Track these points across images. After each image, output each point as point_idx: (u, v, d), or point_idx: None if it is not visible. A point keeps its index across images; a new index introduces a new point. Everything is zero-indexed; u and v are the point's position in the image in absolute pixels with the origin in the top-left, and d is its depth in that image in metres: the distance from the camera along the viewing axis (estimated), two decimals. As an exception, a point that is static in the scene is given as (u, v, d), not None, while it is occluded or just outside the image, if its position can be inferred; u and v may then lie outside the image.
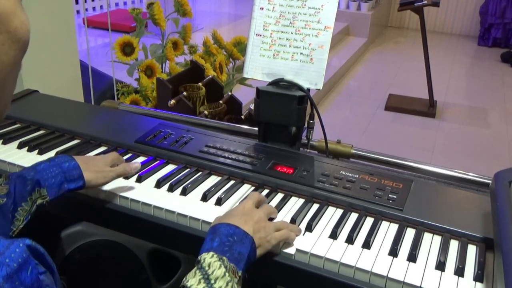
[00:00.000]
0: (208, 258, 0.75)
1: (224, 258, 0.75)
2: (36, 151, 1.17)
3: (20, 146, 1.19)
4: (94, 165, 0.99)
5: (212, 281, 0.72)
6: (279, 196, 1.04)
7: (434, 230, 0.95)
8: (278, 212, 0.99)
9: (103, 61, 2.86)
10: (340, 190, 1.03)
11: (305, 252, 0.88)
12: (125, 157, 1.16)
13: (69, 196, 1.04)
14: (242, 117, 2.07)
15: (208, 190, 1.03)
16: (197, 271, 0.73)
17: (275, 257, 0.89)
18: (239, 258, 0.78)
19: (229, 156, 1.14)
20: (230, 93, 2.17)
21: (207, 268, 0.73)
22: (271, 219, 0.94)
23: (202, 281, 0.72)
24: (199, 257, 0.76)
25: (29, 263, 0.47)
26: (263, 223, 0.86)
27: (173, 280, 1.27)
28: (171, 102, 1.96)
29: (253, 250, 0.82)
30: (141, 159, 1.17)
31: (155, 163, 1.14)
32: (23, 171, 0.92)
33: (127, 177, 1.08)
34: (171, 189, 1.04)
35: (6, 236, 0.85)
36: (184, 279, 0.73)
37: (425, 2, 3.82)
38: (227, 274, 0.73)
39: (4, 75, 0.55)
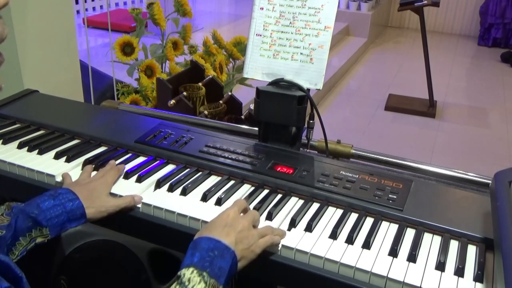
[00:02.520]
0: (188, 273, 0.75)
1: (204, 273, 0.75)
2: (36, 151, 1.17)
3: (20, 146, 1.19)
4: (96, 198, 0.98)
5: None
6: (279, 196, 1.04)
7: (434, 230, 0.95)
8: (278, 212, 0.99)
9: (103, 61, 2.86)
10: (340, 190, 1.03)
11: (305, 252, 0.88)
12: (125, 157, 1.16)
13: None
14: (242, 117, 2.07)
15: (208, 190, 1.03)
16: (177, 286, 0.74)
17: (275, 257, 0.89)
18: (220, 273, 0.78)
19: (229, 156, 1.14)
20: (230, 93, 2.17)
21: (186, 283, 0.74)
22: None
23: None
24: (179, 273, 0.76)
25: None
26: (246, 233, 0.86)
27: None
28: (171, 102, 1.95)
29: (234, 264, 0.82)
30: (141, 159, 1.17)
31: (155, 163, 1.14)
32: (26, 207, 0.91)
33: (126, 177, 1.08)
34: (171, 189, 1.04)
35: None
36: None
37: (425, 2, 3.82)
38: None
39: None
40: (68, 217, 0.93)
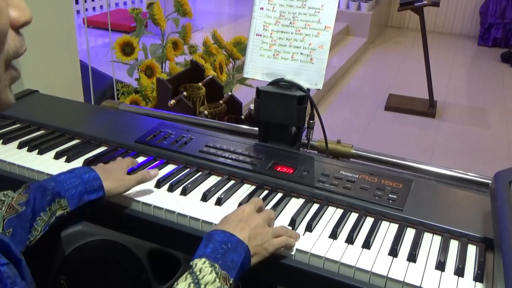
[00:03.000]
0: (200, 263, 0.75)
1: (216, 265, 0.75)
2: (36, 151, 1.17)
3: (20, 146, 1.19)
4: (114, 174, 0.99)
5: (202, 286, 0.72)
6: (279, 196, 1.04)
7: (434, 230, 0.95)
8: (280, 212, 0.99)
9: (103, 61, 2.86)
10: (340, 190, 1.03)
11: (305, 252, 0.88)
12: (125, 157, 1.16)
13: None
14: (242, 117, 2.07)
15: (208, 190, 1.03)
16: (188, 276, 0.74)
17: (275, 257, 0.89)
18: (232, 266, 0.77)
19: (229, 156, 1.14)
20: (230, 93, 2.17)
21: (198, 273, 0.74)
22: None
23: (192, 285, 0.72)
24: (191, 263, 0.76)
25: None
26: (261, 229, 0.86)
27: (173, 280, 1.27)
28: (171, 102, 1.96)
29: (247, 258, 0.81)
30: (141, 159, 1.17)
31: (155, 163, 1.14)
32: (43, 182, 0.91)
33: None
34: (171, 189, 1.04)
35: (23, 245, 0.86)
36: (175, 283, 0.74)
37: (425, 2, 3.82)
38: (217, 280, 0.74)
39: None
40: (85, 187, 0.93)
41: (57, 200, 0.89)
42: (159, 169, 1.13)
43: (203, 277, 0.73)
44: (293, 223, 0.94)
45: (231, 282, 0.76)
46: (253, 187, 1.07)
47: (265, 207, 1.00)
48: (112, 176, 0.98)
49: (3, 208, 0.86)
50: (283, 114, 1.19)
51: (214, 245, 0.79)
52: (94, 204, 0.95)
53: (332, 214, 0.99)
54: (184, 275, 0.75)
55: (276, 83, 1.21)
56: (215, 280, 0.73)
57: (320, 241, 0.90)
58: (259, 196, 1.04)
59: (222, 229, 0.82)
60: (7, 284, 0.48)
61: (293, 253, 0.88)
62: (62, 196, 0.90)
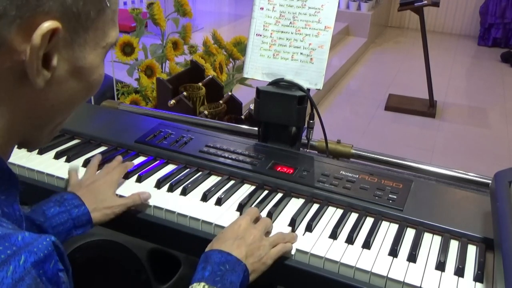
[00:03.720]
0: (199, 287, 0.75)
1: None
2: (36, 151, 1.17)
3: (20, 146, 1.19)
4: (102, 200, 0.97)
5: None
6: (279, 196, 1.04)
7: (434, 230, 0.95)
8: (280, 212, 0.99)
9: (103, 61, 2.86)
10: (340, 190, 1.03)
11: (305, 252, 0.88)
12: (125, 157, 1.16)
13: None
14: (242, 117, 2.07)
15: (208, 190, 1.03)
16: None
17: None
18: (231, 287, 0.77)
19: (229, 156, 1.14)
20: (230, 93, 2.17)
21: None
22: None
23: None
24: (190, 287, 0.76)
25: (53, 257, 0.49)
26: (258, 244, 0.85)
27: (173, 280, 1.27)
28: (171, 102, 1.95)
29: (246, 277, 0.81)
30: (141, 159, 1.17)
31: (155, 163, 1.14)
32: (32, 214, 0.90)
33: (126, 177, 1.08)
34: (171, 189, 1.04)
35: None
36: None
37: (425, 2, 3.82)
38: None
39: (69, 112, 0.63)
40: (74, 224, 0.92)
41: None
42: (159, 169, 1.13)
43: None
44: (293, 223, 0.94)
45: None
46: (253, 187, 1.07)
47: (265, 207, 1.00)
48: (101, 205, 0.96)
49: None
50: (283, 114, 1.19)
51: (212, 267, 0.78)
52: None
53: (332, 214, 0.99)
54: None
55: (276, 83, 1.21)
56: None
57: (320, 241, 0.90)
58: (259, 196, 1.04)
59: (219, 249, 0.81)
60: None
61: (293, 253, 0.88)
62: (49, 233, 0.88)
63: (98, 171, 1.07)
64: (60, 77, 0.56)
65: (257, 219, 0.93)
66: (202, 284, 0.75)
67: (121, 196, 1.02)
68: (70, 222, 0.91)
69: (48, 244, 0.49)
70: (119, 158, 1.10)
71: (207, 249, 0.84)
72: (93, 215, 0.94)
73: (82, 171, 1.09)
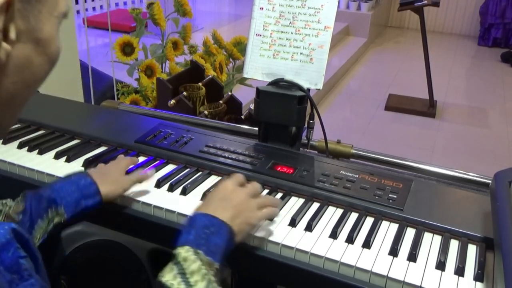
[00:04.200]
0: (184, 252, 0.75)
1: (199, 251, 0.76)
2: (36, 151, 1.17)
3: (20, 146, 1.19)
4: (110, 177, 0.99)
5: (188, 276, 0.72)
6: (279, 196, 1.04)
7: (434, 230, 0.95)
8: (279, 212, 0.98)
9: (103, 61, 2.86)
10: (340, 190, 1.03)
11: (305, 252, 0.88)
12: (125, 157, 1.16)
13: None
14: (242, 117, 2.07)
15: (208, 190, 1.03)
16: (173, 266, 0.74)
17: (275, 256, 0.89)
18: (215, 250, 0.78)
19: (229, 156, 1.14)
20: (230, 93, 2.17)
21: (182, 262, 0.74)
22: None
23: (178, 276, 0.72)
24: (174, 251, 0.76)
25: (11, 245, 0.49)
26: (245, 205, 0.86)
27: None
28: (171, 102, 1.96)
29: (231, 240, 0.82)
30: (141, 159, 1.17)
31: (155, 163, 1.14)
32: (39, 190, 0.91)
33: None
34: (171, 189, 1.04)
35: None
36: (160, 274, 0.74)
37: (425, 2, 3.82)
38: (203, 267, 0.74)
39: (30, 92, 0.62)
40: (82, 194, 0.93)
41: (53, 207, 0.89)
42: (159, 169, 1.13)
43: (188, 266, 0.73)
44: (293, 222, 0.94)
45: (216, 266, 0.76)
46: (253, 187, 1.07)
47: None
48: (108, 180, 0.98)
49: (0, 218, 0.86)
50: (283, 114, 1.19)
51: (197, 231, 0.79)
52: (91, 211, 0.95)
53: (332, 214, 0.99)
54: (169, 265, 0.75)
55: (276, 83, 1.21)
56: (200, 268, 0.73)
57: (320, 241, 0.90)
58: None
59: (205, 212, 0.82)
60: (23, 276, 0.50)
61: (293, 252, 0.88)
62: (58, 203, 0.90)
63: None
64: (20, 51, 0.56)
65: (242, 185, 0.94)
66: (186, 247, 0.76)
67: (122, 196, 1.02)
68: (77, 192, 0.92)
69: (5, 232, 0.49)
70: (120, 156, 1.12)
71: (192, 213, 0.85)
72: (101, 188, 0.95)
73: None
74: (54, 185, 0.93)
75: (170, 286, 0.71)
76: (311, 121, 1.25)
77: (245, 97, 2.65)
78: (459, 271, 0.84)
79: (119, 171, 1.03)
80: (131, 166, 1.09)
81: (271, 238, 0.90)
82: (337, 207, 1.02)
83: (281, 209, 1.00)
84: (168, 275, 0.73)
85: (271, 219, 0.91)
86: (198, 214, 0.83)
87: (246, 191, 0.90)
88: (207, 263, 0.75)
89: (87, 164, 1.12)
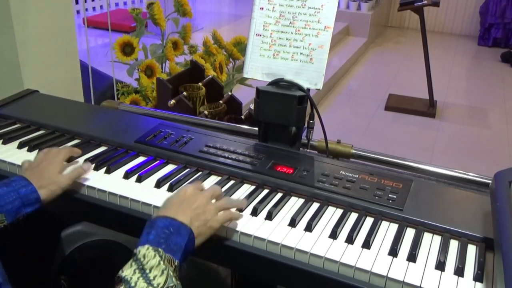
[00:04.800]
0: (144, 250, 0.76)
1: (159, 249, 0.76)
2: (36, 151, 1.17)
3: (20, 146, 1.19)
4: (47, 178, 1.00)
5: (147, 271, 0.73)
6: (279, 196, 1.04)
7: (434, 230, 0.95)
8: (278, 212, 0.99)
9: (103, 61, 2.86)
10: (340, 190, 1.03)
11: (305, 252, 0.88)
12: (124, 157, 1.16)
13: (68, 195, 1.04)
14: (242, 117, 2.07)
15: (208, 190, 1.03)
16: (133, 263, 0.75)
17: (275, 257, 0.89)
18: (175, 248, 0.79)
19: (229, 156, 1.14)
20: (230, 93, 2.17)
21: (142, 259, 0.75)
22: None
23: (137, 271, 0.73)
24: (134, 250, 0.77)
25: None
26: (203, 208, 0.87)
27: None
28: (171, 102, 1.96)
29: (191, 240, 0.82)
30: (141, 159, 1.17)
31: (155, 163, 1.14)
32: None
33: (126, 177, 1.08)
34: (171, 189, 1.04)
35: None
36: (120, 270, 0.75)
37: (425, 2, 3.82)
38: (161, 262, 0.75)
39: None
40: (22, 202, 0.94)
41: None
42: (159, 169, 1.13)
43: (147, 262, 0.74)
44: (293, 222, 0.94)
45: (176, 263, 0.77)
46: (253, 187, 1.07)
47: (265, 207, 1.00)
48: (46, 181, 0.99)
49: None
50: (283, 114, 1.19)
51: (157, 231, 0.80)
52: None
53: (332, 214, 0.99)
54: (129, 262, 0.76)
55: (276, 83, 1.21)
56: (159, 264, 0.74)
57: (320, 241, 0.90)
58: (258, 196, 1.04)
59: (164, 215, 0.83)
60: None
61: (293, 252, 0.88)
62: None
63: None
64: None
65: (201, 189, 0.95)
66: (146, 246, 0.77)
67: (119, 196, 1.02)
68: (18, 200, 0.94)
69: None
70: (55, 149, 1.12)
71: (152, 217, 0.85)
72: (40, 192, 0.97)
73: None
74: None
75: (129, 280, 0.73)
76: (311, 121, 1.25)
77: (245, 97, 2.65)
78: (459, 271, 0.84)
79: (57, 168, 1.03)
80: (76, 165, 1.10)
81: (271, 238, 0.90)
82: (337, 207, 1.02)
83: (280, 210, 1.00)
84: (127, 271, 0.74)
85: (233, 220, 0.92)
86: (158, 217, 0.84)
87: (206, 194, 0.91)
88: (167, 259, 0.76)
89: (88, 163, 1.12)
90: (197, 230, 0.84)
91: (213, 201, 0.92)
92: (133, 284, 0.72)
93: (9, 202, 0.93)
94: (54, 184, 0.99)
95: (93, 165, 1.11)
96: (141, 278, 0.73)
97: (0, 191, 0.94)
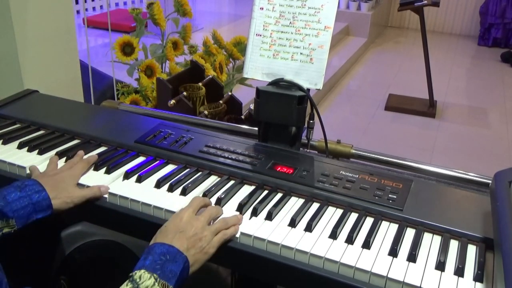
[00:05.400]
0: (140, 272, 0.78)
1: (155, 274, 0.78)
2: (36, 151, 1.17)
3: (20, 146, 1.19)
4: (63, 189, 1.00)
5: None
6: (279, 196, 1.04)
7: (434, 230, 0.95)
8: (278, 212, 0.98)
9: (103, 61, 2.86)
10: (340, 190, 1.03)
11: (305, 252, 0.88)
12: (124, 157, 1.16)
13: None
14: (242, 117, 2.07)
15: (208, 190, 1.03)
16: (128, 283, 0.77)
17: (275, 257, 0.89)
18: (170, 275, 0.80)
19: (229, 156, 1.14)
20: (230, 93, 2.17)
21: (138, 279, 0.77)
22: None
23: None
24: (131, 273, 0.79)
25: None
26: (200, 235, 0.88)
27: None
28: (171, 102, 1.96)
29: (186, 268, 0.84)
30: (141, 159, 1.17)
31: (155, 163, 1.14)
32: None
33: (127, 177, 1.08)
34: (171, 189, 1.04)
35: None
36: None
37: (425, 2, 3.82)
38: (156, 284, 0.77)
39: None
40: (34, 208, 0.94)
41: (5, 219, 0.91)
42: (159, 169, 1.13)
43: (142, 283, 0.77)
44: (293, 223, 0.94)
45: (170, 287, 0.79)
46: (253, 187, 1.07)
47: (265, 207, 1.00)
48: (62, 193, 0.99)
49: None
50: (283, 114, 1.19)
51: (153, 257, 0.81)
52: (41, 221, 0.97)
53: (332, 214, 0.99)
54: (124, 283, 0.78)
55: (276, 83, 1.21)
56: (154, 284, 0.77)
57: (320, 241, 0.90)
58: (258, 196, 1.04)
59: (162, 242, 0.85)
60: None
61: (293, 253, 0.88)
62: (10, 216, 0.92)
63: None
64: None
65: (205, 206, 0.95)
66: (142, 270, 0.79)
67: (119, 196, 1.02)
68: (30, 206, 0.94)
69: None
70: (81, 153, 1.13)
71: (150, 243, 0.87)
72: (53, 202, 0.97)
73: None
74: (8, 196, 0.93)
75: None
76: (311, 121, 1.25)
77: (245, 97, 2.65)
78: (459, 271, 0.84)
79: (74, 180, 1.03)
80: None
81: (271, 239, 0.90)
82: (337, 207, 1.02)
83: (280, 210, 1.00)
84: None
85: (230, 238, 0.92)
86: (155, 243, 0.85)
87: (201, 220, 0.91)
88: (162, 284, 0.78)
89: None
90: (192, 258, 0.85)
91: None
92: None
93: (21, 207, 0.93)
94: (68, 197, 0.99)
95: (93, 166, 1.11)
96: None
97: (13, 195, 0.93)
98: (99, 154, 1.17)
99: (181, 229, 0.88)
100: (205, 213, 0.93)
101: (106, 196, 1.03)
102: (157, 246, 0.84)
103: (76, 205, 1.00)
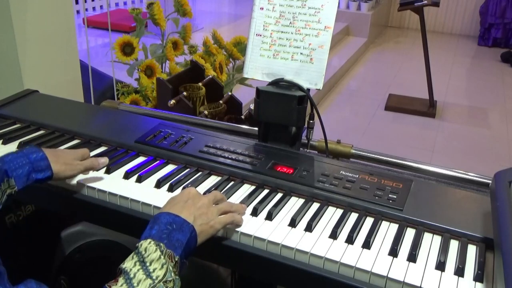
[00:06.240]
0: (145, 244, 0.77)
1: (161, 244, 0.77)
2: (36, 151, 1.17)
3: (20, 146, 1.19)
4: (63, 157, 1.01)
5: (148, 264, 0.74)
6: (279, 196, 1.04)
7: (434, 230, 0.95)
8: (278, 212, 0.99)
9: (103, 61, 2.86)
10: (340, 190, 1.03)
11: (305, 252, 0.88)
12: (124, 157, 1.16)
13: (68, 195, 1.05)
14: (242, 117, 2.07)
15: (208, 190, 1.03)
16: (134, 255, 0.76)
17: (275, 257, 0.89)
18: (177, 244, 0.79)
19: (229, 156, 1.14)
20: (230, 93, 2.17)
21: (143, 252, 0.76)
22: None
23: (138, 263, 0.75)
24: (137, 244, 0.78)
25: None
26: (206, 209, 0.88)
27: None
28: (171, 102, 1.96)
29: (193, 237, 0.83)
30: (141, 159, 1.17)
31: (155, 163, 1.14)
32: None
33: (126, 177, 1.08)
34: (171, 189, 1.04)
35: None
36: (122, 262, 0.76)
37: (425, 2, 3.82)
38: (162, 257, 0.76)
39: None
40: (32, 167, 0.94)
41: (5, 179, 0.91)
42: (159, 169, 1.13)
43: (148, 255, 0.75)
44: (293, 223, 0.94)
45: (176, 259, 0.78)
46: (253, 187, 1.07)
47: (265, 207, 1.00)
48: (61, 160, 1.00)
49: None
50: (283, 114, 1.19)
51: (160, 226, 0.80)
52: (43, 183, 0.97)
53: (332, 214, 0.99)
54: (130, 255, 0.77)
55: (276, 83, 1.21)
56: (160, 258, 0.75)
57: (320, 241, 0.90)
58: (258, 196, 1.04)
59: (168, 211, 0.84)
60: None
61: (293, 253, 0.88)
62: (9, 175, 0.91)
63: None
64: None
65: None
66: (149, 240, 0.78)
67: (119, 196, 1.02)
68: (28, 165, 0.94)
69: None
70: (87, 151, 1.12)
71: (157, 213, 0.86)
72: (52, 165, 0.97)
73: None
74: (6, 157, 0.94)
75: (128, 271, 0.74)
76: (311, 121, 1.25)
77: (245, 97, 2.65)
78: (459, 271, 0.84)
79: (73, 155, 1.04)
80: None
81: (271, 239, 0.90)
82: (337, 207, 1.02)
83: (280, 210, 1.00)
84: (128, 263, 0.75)
85: (235, 224, 0.93)
86: (161, 212, 0.85)
87: (208, 197, 0.92)
88: (168, 255, 0.77)
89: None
90: (199, 228, 0.85)
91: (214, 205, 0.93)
92: (132, 275, 0.73)
93: (19, 166, 0.92)
94: (68, 165, 1.00)
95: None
96: (140, 270, 0.74)
97: (10, 156, 0.93)
98: (99, 154, 1.17)
99: (189, 200, 0.88)
100: (209, 194, 0.94)
101: (106, 196, 1.03)
102: (163, 215, 0.83)
103: (75, 173, 1.01)
